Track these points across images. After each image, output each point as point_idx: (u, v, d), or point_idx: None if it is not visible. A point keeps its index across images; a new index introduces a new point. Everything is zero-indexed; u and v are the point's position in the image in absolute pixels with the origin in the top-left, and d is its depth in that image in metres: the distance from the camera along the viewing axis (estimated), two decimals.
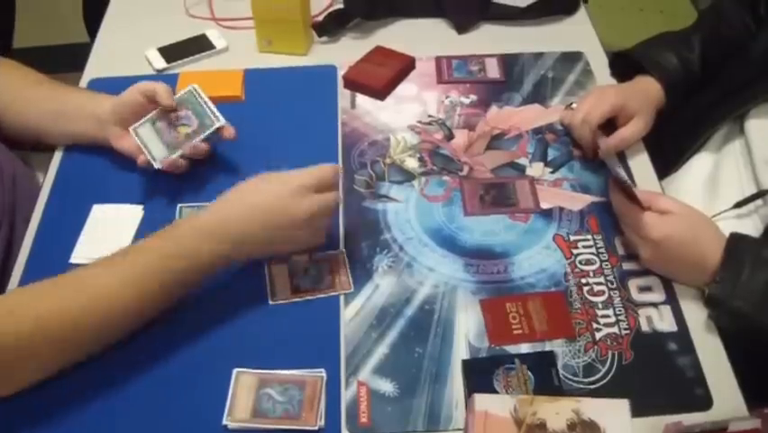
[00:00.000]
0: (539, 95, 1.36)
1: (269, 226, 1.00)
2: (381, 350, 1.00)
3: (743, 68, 1.23)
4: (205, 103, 1.17)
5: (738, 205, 1.13)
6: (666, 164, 1.26)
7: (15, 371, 0.91)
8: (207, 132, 1.15)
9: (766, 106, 1.16)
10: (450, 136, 1.29)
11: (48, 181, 1.22)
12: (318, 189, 1.03)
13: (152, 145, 1.15)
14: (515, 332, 1.02)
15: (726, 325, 1.02)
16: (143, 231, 1.12)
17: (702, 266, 1.01)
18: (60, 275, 0.95)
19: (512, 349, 1.00)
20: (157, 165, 1.14)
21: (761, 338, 0.99)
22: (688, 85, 1.28)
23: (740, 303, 0.97)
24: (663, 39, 1.34)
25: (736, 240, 1.01)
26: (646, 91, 1.26)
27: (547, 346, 1.00)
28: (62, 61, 1.30)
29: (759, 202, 1.12)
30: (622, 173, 1.15)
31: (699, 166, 1.24)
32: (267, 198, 1.01)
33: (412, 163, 1.24)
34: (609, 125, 1.23)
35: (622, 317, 1.03)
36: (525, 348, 1.00)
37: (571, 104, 1.29)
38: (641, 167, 1.24)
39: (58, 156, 1.25)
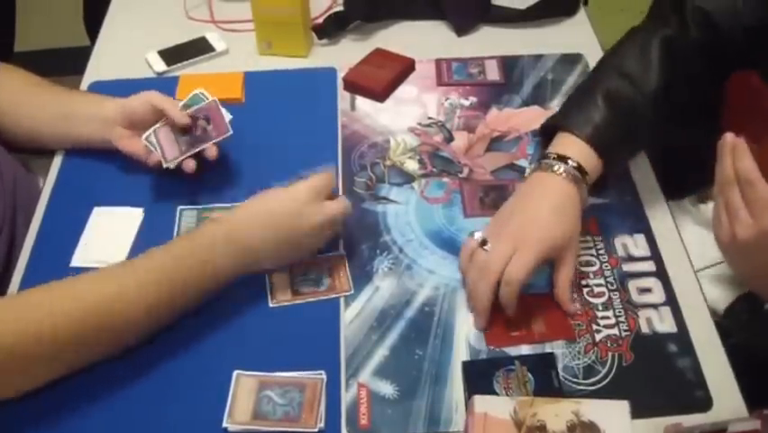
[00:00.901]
0: (539, 97, 1.36)
1: (283, 236, 1.02)
2: (381, 352, 1.00)
3: None
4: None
5: None
6: None
7: (13, 377, 0.91)
8: (219, 138, 1.14)
9: None
10: (450, 138, 1.29)
11: (48, 184, 1.22)
12: (328, 196, 1.04)
13: (165, 146, 1.14)
14: (512, 334, 1.02)
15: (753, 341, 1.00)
16: (144, 233, 1.12)
17: None
18: (70, 278, 0.95)
19: (512, 351, 1.00)
20: (168, 165, 1.14)
21: None
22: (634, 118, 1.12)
23: None
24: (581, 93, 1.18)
25: None
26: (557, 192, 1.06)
27: (547, 348, 1.00)
28: (63, 64, 1.30)
29: None
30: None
31: None
32: (267, 204, 1.02)
33: (412, 165, 1.24)
34: None
35: (622, 319, 1.03)
36: (524, 350, 1.00)
37: (484, 241, 1.04)
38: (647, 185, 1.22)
39: (58, 159, 1.25)
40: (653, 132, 1.16)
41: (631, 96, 1.11)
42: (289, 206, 1.01)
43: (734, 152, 0.92)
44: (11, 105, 1.21)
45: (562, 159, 1.06)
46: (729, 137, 0.93)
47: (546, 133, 1.17)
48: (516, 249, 0.99)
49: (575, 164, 1.06)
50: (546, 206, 1.03)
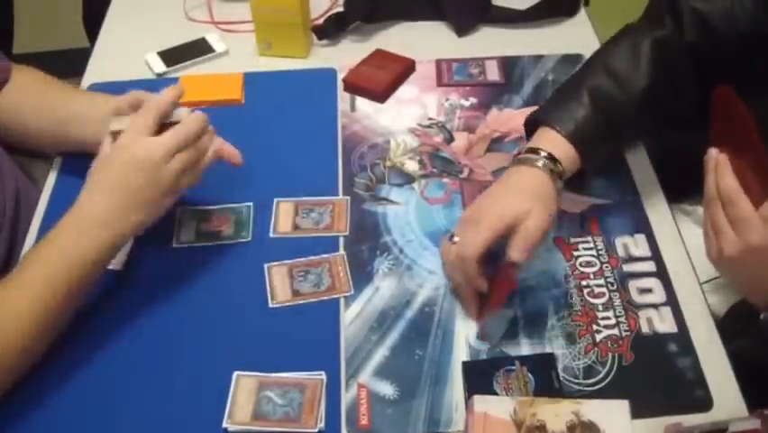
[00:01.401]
0: (539, 97, 1.36)
1: (126, 192, 0.97)
2: (381, 352, 1.00)
3: None
4: None
5: None
6: None
7: None
8: None
9: None
10: (450, 139, 1.29)
11: (48, 185, 1.22)
12: (156, 129, 0.99)
13: None
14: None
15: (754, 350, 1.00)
16: (141, 234, 1.12)
17: None
18: None
19: (512, 351, 1.00)
20: None
21: None
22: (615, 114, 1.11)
23: None
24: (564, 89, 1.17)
25: None
26: (529, 179, 1.05)
27: (547, 347, 1.00)
28: (62, 66, 1.30)
29: None
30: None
31: None
32: (111, 170, 0.98)
33: (412, 166, 1.24)
34: None
35: (622, 319, 1.03)
36: (524, 351, 1.00)
37: (452, 235, 1.05)
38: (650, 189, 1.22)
39: (58, 160, 1.25)
40: (635, 132, 1.17)
41: (616, 96, 1.10)
42: (122, 155, 0.97)
43: (716, 169, 0.93)
44: (17, 107, 1.20)
45: (538, 152, 1.06)
46: (713, 153, 0.94)
47: (529, 127, 1.17)
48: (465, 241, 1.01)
49: (550, 157, 1.05)
50: (510, 188, 1.05)
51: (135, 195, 0.97)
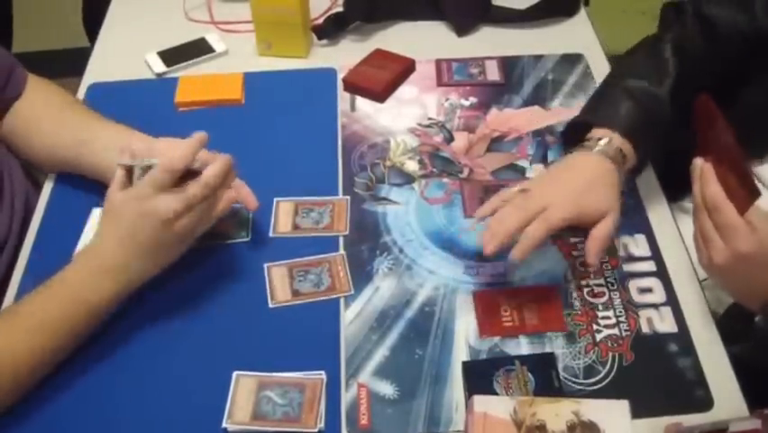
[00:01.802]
0: (539, 97, 1.36)
1: (141, 240, 0.97)
2: (381, 352, 1.00)
3: None
4: None
5: None
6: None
7: None
8: None
9: None
10: (450, 139, 1.29)
11: (48, 185, 1.22)
12: (175, 182, 0.96)
13: None
14: (505, 324, 1.02)
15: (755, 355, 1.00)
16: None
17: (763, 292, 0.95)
18: None
19: (512, 351, 1.00)
20: None
21: None
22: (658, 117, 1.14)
23: None
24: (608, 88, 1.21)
25: None
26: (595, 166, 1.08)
27: (546, 346, 1.00)
28: (62, 66, 1.30)
29: None
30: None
31: None
32: (128, 210, 0.97)
33: (412, 166, 1.24)
34: None
35: (622, 319, 1.03)
36: (524, 350, 1.00)
37: (524, 189, 1.07)
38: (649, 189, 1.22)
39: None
40: (671, 127, 1.17)
41: (651, 91, 1.13)
42: (134, 208, 0.96)
43: (701, 177, 0.95)
44: (27, 125, 1.20)
45: (600, 141, 1.09)
46: (698, 162, 0.96)
47: (569, 134, 1.20)
48: (551, 206, 1.02)
49: (615, 146, 1.08)
50: (582, 179, 1.07)
51: (145, 247, 0.97)
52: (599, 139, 1.09)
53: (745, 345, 1.02)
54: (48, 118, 1.19)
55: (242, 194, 1.09)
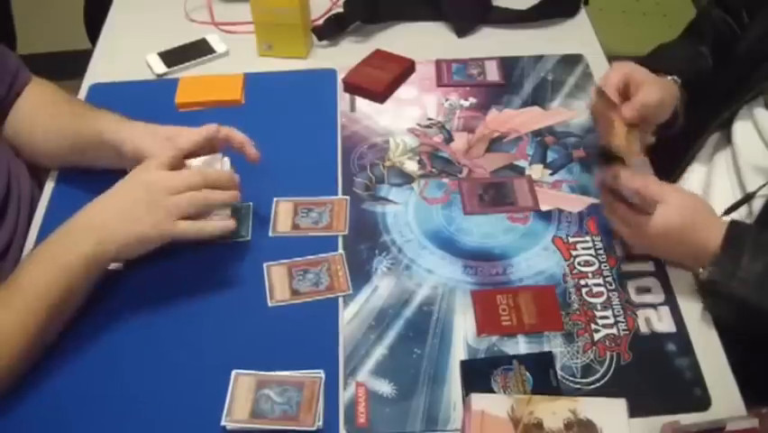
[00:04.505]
0: (539, 97, 1.36)
1: (122, 206, 1.00)
2: (380, 351, 1.00)
3: (726, 73, 1.23)
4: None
5: (727, 212, 1.12)
6: (663, 178, 1.24)
7: None
8: None
9: (749, 110, 1.17)
10: (449, 139, 1.29)
11: (48, 185, 1.22)
12: (170, 163, 1.03)
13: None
14: (503, 323, 1.02)
15: (721, 312, 1.02)
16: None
17: (702, 252, 1.01)
18: None
19: (510, 350, 1.00)
20: None
21: (756, 325, 1.00)
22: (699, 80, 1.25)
23: (739, 286, 0.97)
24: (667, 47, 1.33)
25: (736, 226, 1.02)
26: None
27: (545, 346, 1.00)
28: (64, 67, 1.30)
29: (747, 208, 1.12)
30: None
31: (693, 178, 1.24)
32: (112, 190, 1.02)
33: (411, 166, 1.24)
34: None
35: (621, 318, 1.03)
36: (522, 348, 1.00)
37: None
38: None
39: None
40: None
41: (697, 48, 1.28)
42: (128, 176, 1.02)
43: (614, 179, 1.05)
44: (29, 121, 1.21)
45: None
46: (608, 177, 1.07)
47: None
48: None
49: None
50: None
51: (129, 210, 0.99)
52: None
53: (723, 315, 1.04)
54: (49, 116, 1.20)
55: (245, 147, 1.13)
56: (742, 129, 1.17)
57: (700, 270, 1.01)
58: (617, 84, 1.11)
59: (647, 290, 1.07)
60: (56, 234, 0.99)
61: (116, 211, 1.00)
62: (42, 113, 1.21)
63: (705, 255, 1.01)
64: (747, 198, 1.12)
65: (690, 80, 1.22)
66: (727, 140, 1.21)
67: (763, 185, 1.10)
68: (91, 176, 1.21)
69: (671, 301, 1.05)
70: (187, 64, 1.43)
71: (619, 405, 0.85)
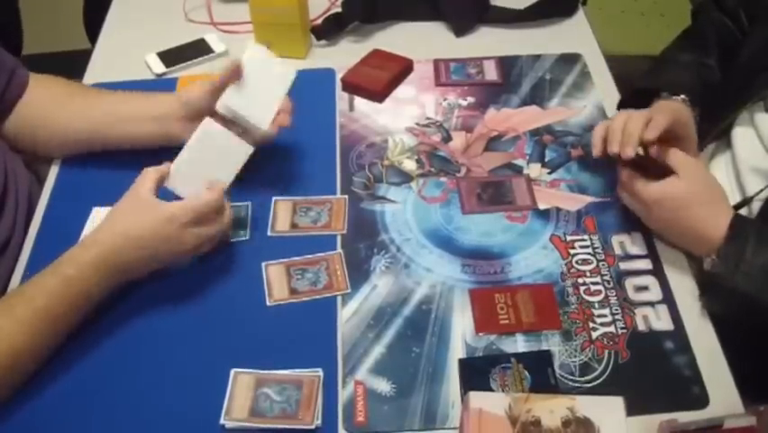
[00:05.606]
0: (537, 96, 1.36)
1: (154, 254, 1.02)
2: (378, 350, 1.01)
3: (727, 81, 1.22)
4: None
5: None
6: None
7: None
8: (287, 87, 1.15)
9: (749, 114, 1.17)
10: (448, 138, 1.29)
11: (48, 185, 1.23)
12: (198, 222, 1.03)
13: (251, 111, 1.12)
14: (502, 322, 1.02)
15: (718, 308, 1.03)
16: None
17: (705, 237, 1.02)
18: None
19: (508, 348, 1.00)
20: (264, 127, 1.13)
21: (754, 320, 1.01)
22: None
23: (742, 280, 0.97)
24: (669, 59, 1.29)
25: (739, 219, 1.02)
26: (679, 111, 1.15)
27: (543, 345, 1.00)
28: (63, 67, 1.30)
29: (746, 210, 1.12)
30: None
31: None
32: (143, 229, 1.01)
33: (410, 165, 1.25)
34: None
35: (618, 317, 1.03)
36: (520, 347, 1.00)
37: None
38: None
39: (58, 161, 1.26)
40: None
41: (703, 61, 1.24)
42: (166, 229, 1.01)
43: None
44: (35, 118, 1.21)
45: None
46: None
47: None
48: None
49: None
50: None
51: (147, 241, 1.01)
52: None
53: (721, 312, 1.04)
54: (56, 107, 1.21)
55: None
56: (742, 132, 1.17)
57: (705, 259, 1.01)
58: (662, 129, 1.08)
59: (645, 289, 1.07)
60: (81, 267, 0.98)
61: (149, 258, 1.02)
62: (52, 108, 1.21)
63: (707, 241, 1.01)
64: (746, 202, 1.12)
65: (699, 96, 1.19)
66: (726, 143, 1.21)
67: (763, 188, 1.10)
68: (91, 176, 1.22)
69: (668, 299, 1.05)
70: (186, 64, 1.43)
71: (617, 403, 0.85)
